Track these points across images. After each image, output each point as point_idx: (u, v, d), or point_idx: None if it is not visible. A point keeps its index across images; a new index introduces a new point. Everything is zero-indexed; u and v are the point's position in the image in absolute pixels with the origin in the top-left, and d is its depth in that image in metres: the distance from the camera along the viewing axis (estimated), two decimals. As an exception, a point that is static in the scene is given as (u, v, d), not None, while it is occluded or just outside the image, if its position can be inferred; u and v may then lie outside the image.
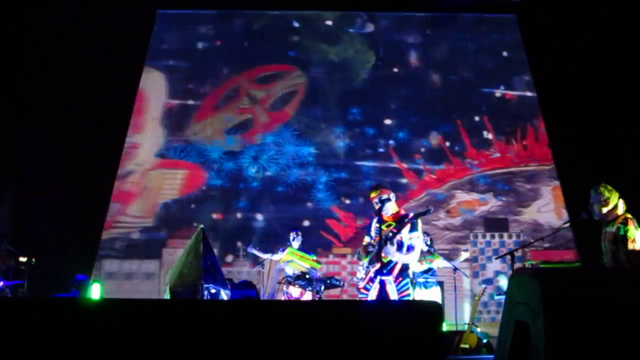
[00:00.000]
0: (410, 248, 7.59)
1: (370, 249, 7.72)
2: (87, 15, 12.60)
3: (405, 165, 13.96)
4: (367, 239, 7.92)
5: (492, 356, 7.77)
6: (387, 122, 14.33)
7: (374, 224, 7.81)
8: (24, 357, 3.94)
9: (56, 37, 12.53)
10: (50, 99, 12.50)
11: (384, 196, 7.73)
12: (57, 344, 3.98)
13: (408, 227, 7.61)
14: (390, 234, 7.55)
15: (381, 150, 14.18)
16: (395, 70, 14.59)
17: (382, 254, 7.45)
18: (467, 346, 9.82)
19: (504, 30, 14.56)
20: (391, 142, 14.18)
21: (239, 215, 13.87)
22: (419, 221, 7.72)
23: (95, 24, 12.60)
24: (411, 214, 7.72)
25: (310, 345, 4.17)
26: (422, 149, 14.11)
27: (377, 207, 7.70)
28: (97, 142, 12.75)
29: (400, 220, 7.65)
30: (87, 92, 12.54)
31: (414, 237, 7.62)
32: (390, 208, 7.76)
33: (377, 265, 7.50)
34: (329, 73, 14.54)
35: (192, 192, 13.91)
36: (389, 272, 7.57)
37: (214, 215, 13.86)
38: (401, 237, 7.59)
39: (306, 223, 13.61)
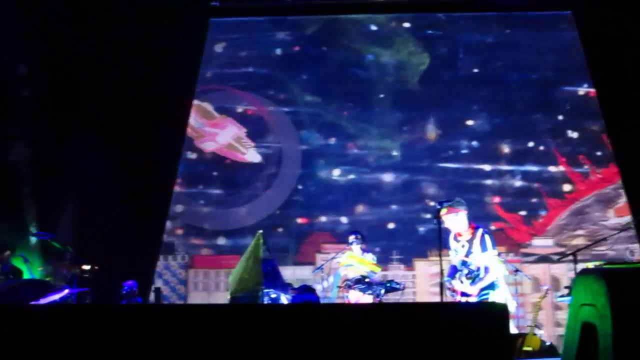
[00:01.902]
0: (486, 270, 7.62)
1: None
2: (139, 25, 12.69)
3: (570, 167, 13.66)
4: (451, 254, 7.98)
5: (558, 359, 7.68)
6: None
7: (451, 240, 7.89)
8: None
9: (112, 46, 12.63)
10: (108, 103, 12.61)
11: (451, 214, 7.79)
12: (111, 348, 4.00)
13: (479, 248, 7.64)
14: (465, 271, 7.63)
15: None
16: (476, 70, 14.33)
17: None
18: (530, 349, 9.67)
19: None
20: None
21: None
22: (488, 239, 7.73)
23: (147, 33, 12.68)
24: (481, 229, 7.76)
25: (373, 350, 4.14)
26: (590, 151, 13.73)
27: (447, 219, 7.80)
28: (155, 148, 12.85)
29: (471, 240, 7.71)
30: (143, 97, 12.61)
31: (486, 258, 7.64)
32: (462, 224, 7.81)
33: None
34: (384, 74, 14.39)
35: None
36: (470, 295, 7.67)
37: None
38: (477, 265, 7.64)
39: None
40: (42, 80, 12.28)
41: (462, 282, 7.67)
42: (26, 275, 10.19)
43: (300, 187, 14.15)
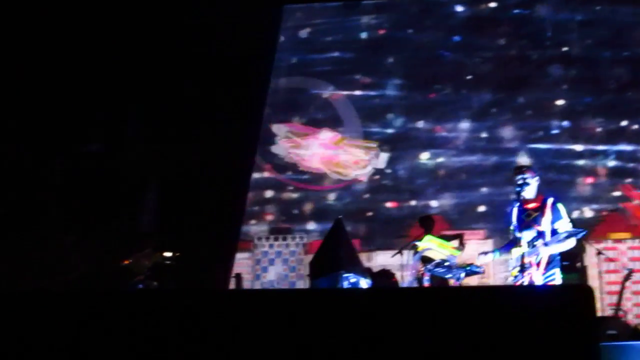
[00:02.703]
0: (566, 235, 7.37)
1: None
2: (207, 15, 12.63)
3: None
4: (513, 227, 7.78)
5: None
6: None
7: (515, 213, 7.68)
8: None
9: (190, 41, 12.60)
10: (187, 94, 12.67)
11: (527, 175, 7.57)
12: (190, 333, 4.10)
13: (549, 217, 7.44)
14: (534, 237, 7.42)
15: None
16: (565, 49, 13.93)
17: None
18: (614, 332, 9.46)
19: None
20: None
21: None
22: (561, 206, 7.52)
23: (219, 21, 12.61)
24: (552, 198, 7.54)
25: (452, 333, 4.13)
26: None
27: (518, 187, 7.56)
28: (233, 137, 12.88)
29: (540, 209, 7.49)
30: (219, 86, 12.56)
31: (561, 227, 7.42)
32: (531, 191, 7.60)
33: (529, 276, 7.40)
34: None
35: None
36: (537, 266, 7.46)
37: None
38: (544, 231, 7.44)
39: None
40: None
41: (538, 246, 7.41)
42: None
43: (388, 171, 14.19)
